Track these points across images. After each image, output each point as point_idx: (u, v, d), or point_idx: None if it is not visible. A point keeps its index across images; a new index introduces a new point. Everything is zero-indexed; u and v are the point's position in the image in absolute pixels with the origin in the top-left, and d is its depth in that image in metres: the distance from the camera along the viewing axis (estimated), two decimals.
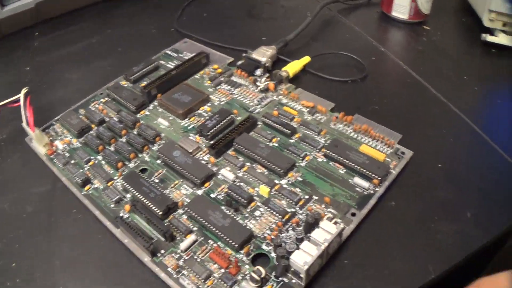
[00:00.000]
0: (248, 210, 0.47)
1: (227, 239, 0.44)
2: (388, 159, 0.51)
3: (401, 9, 0.74)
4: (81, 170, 0.53)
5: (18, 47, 0.79)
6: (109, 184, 0.52)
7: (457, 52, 0.70)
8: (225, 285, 0.41)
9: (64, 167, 0.54)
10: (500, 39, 0.67)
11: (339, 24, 0.78)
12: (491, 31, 0.68)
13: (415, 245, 0.44)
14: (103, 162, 0.55)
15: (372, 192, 0.48)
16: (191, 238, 0.45)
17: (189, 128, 0.58)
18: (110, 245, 0.47)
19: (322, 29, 0.77)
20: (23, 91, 0.55)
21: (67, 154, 0.56)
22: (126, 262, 0.45)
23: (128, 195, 0.50)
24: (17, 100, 0.56)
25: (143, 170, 0.53)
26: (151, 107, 0.62)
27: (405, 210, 0.47)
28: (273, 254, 0.43)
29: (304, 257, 0.40)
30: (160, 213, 0.47)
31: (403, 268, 0.43)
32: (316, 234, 0.42)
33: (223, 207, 0.48)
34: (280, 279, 0.41)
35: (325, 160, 0.52)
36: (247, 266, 0.43)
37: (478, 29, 0.70)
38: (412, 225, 0.46)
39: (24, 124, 0.56)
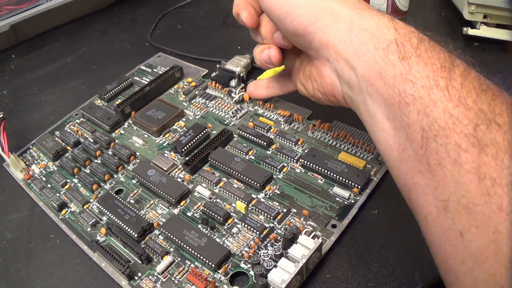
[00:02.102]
0: (225, 227, 0.47)
1: (204, 259, 0.43)
2: (368, 166, 0.50)
3: (377, 7, 0.73)
4: (57, 194, 0.53)
5: None
6: (85, 207, 0.51)
7: None
8: None
9: (41, 192, 0.53)
10: (482, 31, 0.66)
11: None
12: (472, 24, 0.67)
13: (401, 254, 0.43)
14: (79, 185, 0.54)
15: (353, 201, 0.47)
16: (167, 259, 0.44)
17: (164, 145, 0.57)
18: (88, 270, 0.46)
19: None
20: None
21: (43, 178, 0.56)
22: (104, 286, 0.44)
23: (104, 218, 0.49)
24: None
25: (119, 191, 0.52)
26: (125, 125, 0.61)
27: (388, 219, 0.46)
28: (251, 272, 0.42)
29: (281, 275, 0.39)
30: (136, 235, 0.46)
31: (389, 278, 0.41)
32: (294, 250, 0.41)
33: (199, 226, 0.47)
34: None
35: (303, 171, 0.51)
36: (225, 286, 0.42)
37: (459, 23, 0.69)
38: (396, 234, 0.45)
39: None
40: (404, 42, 0.33)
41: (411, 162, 0.32)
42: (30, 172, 0.56)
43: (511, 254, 0.26)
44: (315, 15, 0.39)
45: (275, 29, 0.46)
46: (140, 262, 0.45)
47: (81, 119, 0.64)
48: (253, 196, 0.49)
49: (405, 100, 0.32)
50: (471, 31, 0.66)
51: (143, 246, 0.46)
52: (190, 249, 0.44)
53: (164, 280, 0.43)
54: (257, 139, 0.54)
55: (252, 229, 0.45)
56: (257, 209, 0.47)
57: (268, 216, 0.46)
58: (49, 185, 0.54)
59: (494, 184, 0.27)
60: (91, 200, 0.52)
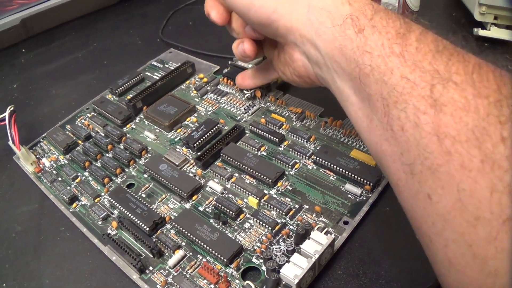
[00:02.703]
0: (237, 222, 0.47)
1: (216, 254, 0.43)
2: None
3: (389, 7, 0.72)
4: (68, 187, 0.53)
5: (5, 64, 0.78)
6: (96, 200, 0.51)
7: None
8: None
9: (51, 185, 0.53)
10: (492, 32, 0.66)
11: None
12: (483, 25, 0.67)
13: (412, 252, 0.42)
14: (90, 178, 0.54)
15: (364, 198, 0.47)
16: (179, 253, 0.44)
17: (175, 140, 0.57)
18: (98, 263, 0.46)
19: None
20: (8, 109, 0.55)
21: (54, 172, 0.56)
22: (115, 280, 0.44)
23: (115, 211, 0.49)
24: (3, 119, 0.55)
25: (130, 185, 0.52)
26: (137, 120, 0.61)
27: (400, 216, 0.45)
28: (263, 268, 0.42)
29: (294, 270, 0.39)
30: (147, 229, 0.46)
31: (399, 276, 0.41)
32: (306, 245, 0.41)
33: (211, 221, 0.47)
34: None
35: (315, 167, 0.51)
36: (237, 281, 0.42)
37: (469, 23, 0.68)
38: (408, 231, 0.44)
39: (10, 142, 0.55)
40: (358, 15, 0.34)
41: (378, 131, 0.33)
42: (41, 165, 0.56)
43: (475, 211, 0.26)
44: (275, 3, 0.40)
45: (246, 23, 0.48)
46: (152, 256, 0.45)
47: (92, 113, 0.64)
48: (265, 191, 0.49)
49: (365, 71, 0.32)
50: (482, 32, 0.66)
51: (154, 240, 0.46)
52: (202, 244, 0.44)
53: (175, 274, 0.43)
54: (269, 135, 0.54)
55: (264, 224, 0.45)
56: (269, 205, 0.47)
57: (280, 212, 0.46)
58: (59, 178, 0.54)
59: (454, 142, 0.27)
60: (102, 194, 0.52)
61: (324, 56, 0.37)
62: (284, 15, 0.40)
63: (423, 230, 0.31)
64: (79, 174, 0.55)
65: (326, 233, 0.42)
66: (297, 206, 0.47)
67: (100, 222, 0.49)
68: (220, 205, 0.47)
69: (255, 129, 0.55)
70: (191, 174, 0.52)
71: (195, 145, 0.54)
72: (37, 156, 0.58)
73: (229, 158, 0.52)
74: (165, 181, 0.50)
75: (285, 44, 0.43)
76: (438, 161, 0.27)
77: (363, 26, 0.33)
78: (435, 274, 0.32)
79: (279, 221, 0.46)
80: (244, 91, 0.61)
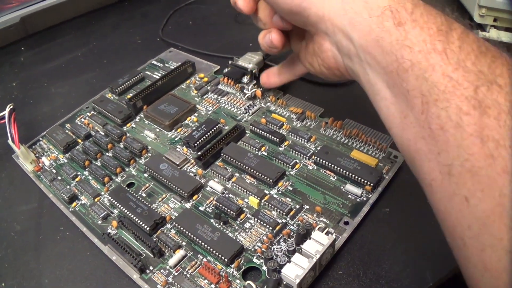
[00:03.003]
0: (238, 222, 0.47)
1: (217, 254, 0.43)
2: (380, 164, 0.50)
3: None
4: (68, 187, 0.52)
5: (5, 62, 0.78)
6: (96, 200, 0.51)
7: None
8: None
9: (51, 184, 0.53)
10: (492, 34, 0.66)
11: None
12: (482, 27, 0.67)
13: (412, 252, 0.43)
14: (89, 177, 0.54)
15: (365, 199, 0.47)
16: (180, 253, 0.44)
17: (176, 139, 0.57)
18: (98, 262, 0.46)
19: None
20: (8, 108, 0.55)
21: (53, 170, 0.55)
22: (115, 279, 0.44)
23: (116, 211, 0.49)
24: (2, 117, 0.55)
25: (130, 185, 0.52)
26: (137, 119, 0.61)
27: (400, 216, 0.46)
28: (264, 268, 0.42)
29: (295, 270, 0.39)
30: (148, 228, 0.46)
31: (400, 276, 0.41)
32: (307, 245, 0.41)
33: (212, 220, 0.47)
34: None
35: (315, 168, 0.51)
36: (238, 281, 0.42)
37: (469, 25, 0.68)
38: (408, 232, 0.45)
39: (9, 141, 0.55)
40: (398, 8, 0.33)
41: (413, 129, 0.32)
42: (40, 164, 0.56)
43: None
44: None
45: (273, 12, 0.47)
46: (152, 256, 0.45)
47: (92, 112, 0.63)
48: (266, 191, 0.49)
49: (403, 66, 0.32)
50: (481, 34, 0.66)
51: (155, 239, 0.46)
52: (203, 243, 0.44)
53: (176, 273, 0.43)
54: (270, 136, 0.54)
55: (265, 224, 0.45)
56: (269, 205, 0.47)
57: (281, 212, 0.46)
58: (59, 177, 0.54)
59: (497, 146, 0.26)
60: (102, 193, 0.52)
61: (358, 47, 0.36)
62: (316, 3, 0.39)
63: (456, 233, 0.30)
64: (79, 173, 0.54)
65: (327, 233, 0.42)
66: (297, 206, 0.47)
67: (100, 222, 0.49)
68: (220, 205, 0.47)
69: (255, 129, 0.55)
70: (191, 174, 0.52)
71: (195, 144, 0.54)
72: (37, 155, 0.58)
73: (229, 158, 0.52)
74: (165, 180, 0.50)
75: (314, 34, 0.42)
76: (479, 164, 0.27)
77: (404, 20, 0.32)
78: (464, 277, 0.31)
79: (279, 221, 0.46)
80: (245, 90, 0.61)
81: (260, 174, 0.49)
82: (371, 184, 0.47)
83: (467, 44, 0.30)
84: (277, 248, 0.43)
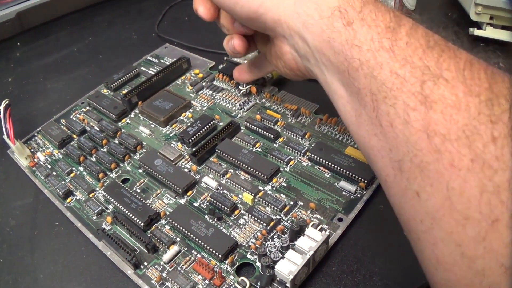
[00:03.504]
0: (232, 218, 0.47)
1: (211, 250, 0.43)
2: None
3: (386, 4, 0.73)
4: (62, 182, 0.53)
5: (0, 58, 0.78)
6: (90, 195, 0.51)
7: None
8: None
9: (46, 179, 0.53)
10: (488, 32, 0.66)
11: None
12: (478, 25, 0.67)
13: (406, 249, 0.42)
14: (84, 173, 0.54)
15: (359, 195, 0.47)
16: (174, 249, 0.44)
17: (170, 135, 0.57)
18: (93, 258, 0.46)
19: None
20: (3, 103, 0.55)
21: (49, 166, 0.55)
22: (110, 275, 0.44)
23: (110, 206, 0.49)
24: None
25: (125, 180, 0.52)
26: (132, 115, 0.61)
27: (394, 214, 0.46)
28: (258, 264, 0.42)
29: (289, 266, 0.39)
30: (142, 224, 0.46)
31: (394, 273, 0.41)
32: (301, 242, 0.41)
33: (206, 216, 0.47)
34: None
35: (310, 164, 0.51)
36: (232, 277, 0.42)
37: (465, 22, 0.69)
38: (402, 229, 0.45)
39: (5, 136, 0.55)
40: (347, 7, 0.33)
41: (367, 126, 0.32)
42: (35, 160, 0.56)
43: (464, 211, 0.26)
44: (266, 4, 0.40)
45: (233, 19, 0.48)
46: (146, 251, 0.45)
47: (87, 107, 0.63)
48: (260, 188, 0.49)
49: (353, 65, 0.32)
50: (477, 32, 0.66)
51: (149, 235, 0.46)
52: (197, 239, 0.44)
53: (170, 269, 0.43)
54: (264, 132, 0.54)
55: (259, 220, 0.45)
56: (264, 201, 0.47)
57: (275, 208, 0.46)
58: (54, 173, 0.54)
59: (444, 140, 0.26)
60: (97, 189, 0.52)
61: (312, 48, 0.37)
62: (271, 8, 0.39)
63: (411, 227, 0.31)
64: (73, 168, 0.54)
65: (320, 230, 0.42)
66: (291, 203, 0.47)
67: (94, 217, 0.49)
68: (215, 201, 0.47)
69: (250, 125, 0.55)
70: (186, 170, 0.52)
71: (190, 140, 0.54)
72: (32, 150, 0.58)
73: (224, 154, 0.52)
74: (160, 176, 0.50)
75: (274, 37, 0.43)
76: (427, 159, 0.27)
77: (352, 19, 0.33)
78: (423, 271, 0.32)
79: (273, 217, 0.46)
80: (240, 87, 0.61)
81: (254, 170, 0.49)
82: (365, 181, 0.47)
83: (414, 39, 0.30)
84: (271, 244, 0.43)
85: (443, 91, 0.27)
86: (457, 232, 0.26)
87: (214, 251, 0.43)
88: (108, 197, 0.49)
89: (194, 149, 0.53)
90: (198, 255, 0.44)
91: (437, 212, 0.27)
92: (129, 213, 0.47)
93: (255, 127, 0.55)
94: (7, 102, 0.55)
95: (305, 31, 0.37)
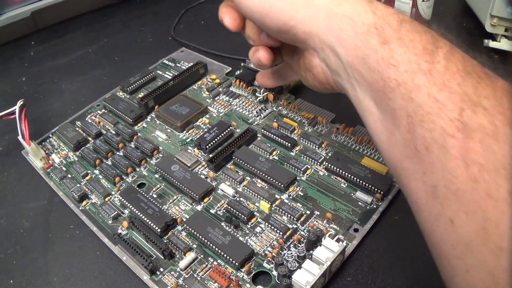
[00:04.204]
0: (249, 226, 0.47)
1: (228, 257, 0.43)
2: (391, 172, 0.50)
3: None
4: (78, 185, 0.53)
5: (14, 56, 0.78)
6: (106, 199, 0.51)
7: None
8: None
9: (61, 182, 0.53)
10: (502, 44, 0.66)
11: None
12: (493, 37, 0.67)
13: (420, 261, 0.43)
14: (100, 176, 0.54)
15: (375, 206, 0.47)
16: (190, 256, 0.44)
17: (187, 141, 0.57)
18: (108, 262, 0.46)
19: None
20: (19, 103, 0.55)
21: (64, 168, 0.55)
22: (125, 280, 0.44)
23: (126, 211, 0.49)
24: (13, 113, 0.55)
25: (141, 185, 0.52)
26: (148, 119, 0.61)
27: (409, 225, 0.46)
28: (274, 273, 0.42)
29: (306, 276, 0.39)
30: (159, 230, 0.46)
31: (407, 284, 0.42)
32: (318, 252, 0.41)
33: (223, 224, 0.47)
34: None
35: (326, 174, 0.51)
36: (248, 285, 0.42)
37: (480, 34, 0.68)
38: (416, 240, 0.44)
39: (20, 137, 0.55)
40: (383, 25, 0.33)
41: (400, 147, 0.32)
42: (50, 161, 0.56)
43: (499, 241, 0.25)
44: (292, 8, 0.39)
45: (260, 30, 0.46)
46: (163, 258, 0.45)
47: (103, 110, 0.63)
48: (277, 196, 0.49)
49: (390, 85, 0.32)
50: (492, 44, 0.66)
51: (165, 241, 0.46)
52: (213, 247, 0.44)
53: (186, 276, 0.43)
54: (281, 140, 0.54)
55: (275, 229, 0.46)
56: (280, 210, 0.47)
57: (292, 217, 0.46)
58: (69, 175, 0.54)
59: (481, 170, 0.26)
60: (113, 193, 0.52)
61: (345, 64, 0.36)
62: (303, 21, 0.39)
63: (442, 252, 0.30)
64: (89, 171, 0.54)
65: (337, 241, 0.42)
66: (308, 212, 0.47)
67: (110, 221, 0.49)
68: (231, 209, 0.47)
69: (267, 133, 0.55)
70: (202, 176, 0.52)
71: (207, 146, 0.54)
72: (47, 152, 0.58)
73: (241, 161, 0.52)
74: (177, 182, 0.50)
75: (304, 50, 0.42)
76: (464, 187, 0.27)
77: (389, 38, 0.32)
78: None
79: (290, 226, 0.46)
80: (257, 94, 0.61)
81: (271, 179, 0.49)
82: (381, 192, 0.47)
83: (452, 64, 0.30)
84: (287, 253, 0.43)
85: (482, 120, 0.27)
86: (490, 261, 0.26)
87: (231, 259, 0.43)
88: (124, 201, 0.49)
89: (211, 155, 0.53)
90: (215, 263, 0.44)
91: (471, 240, 0.27)
92: (145, 219, 0.47)
93: (272, 135, 0.55)
94: (22, 103, 0.55)
95: (338, 45, 0.36)
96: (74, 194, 0.51)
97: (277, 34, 0.43)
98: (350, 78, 0.36)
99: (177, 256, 0.45)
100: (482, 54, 0.67)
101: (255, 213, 0.48)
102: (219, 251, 0.44)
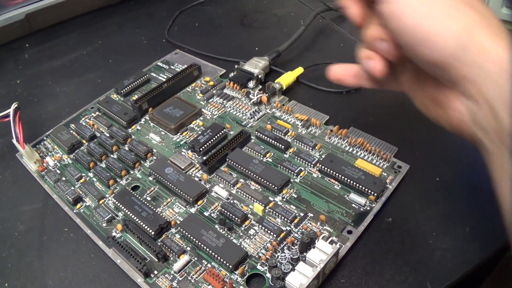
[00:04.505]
0: (242, 228, 0.47)
1: (221, 260, 0.43)
2: (384, 174, 0.50)
3: None
4: (72, 188, 0.53)
5: (9, 59, 0.78)
6: (100, 202, 0.51)
7: None
8: None
9: (55, 184, 0.53)
10: None
11: (332, 33, 0.77)
12: None
13: (413, 262, 0.43)
14: (94, 179, 0.54)
15: (368, 208, 0.47)
16: (184, 258, 0.44)
17: (181, 143, 0.57)
18: (102, 265, 0.46)
19: (315, 39, 0.76)
20: (13, 106, 0.55)
21: (58, 171, 0.56)
22: (119, 282, 0.44)
23: (120, 214, 0.50)
24: (7, 115, 0.55)
25: (135, 188, 0.52)
26: (142, 121, 0.61)
27: (402, 226, 0.47)
28: (268, 275, 0.42)
29: (299, 278, 0.39)
30: (153, 233, 0.46)
31: (401, 286, 0.42)
32: (311, 254, 0.41)
33: (216, 226, 0.47)
34: None
35: (320, 176, 0.51)
36: (241, 287, 0.42)
37: None
38: (410, 242, 0.45)
39: (14, 140, 0.55)
40: None
41: None
42: (44, 164, 0.56)
43: None
44: (460, 48, 0.32)
45: (382, 35, 0.38)
46: (157, 260, 0.45)
47: (97, 112, 0.64)
48: (270, 198, 0.49)
49: None
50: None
51: (159, 244, 0.46)
52: (207, 249, 0.44)
53: (180, 279, 0.43)
54: (275, 142, 0.54)
55: (269, 231, 0.46)
56: (274, 212, 0.47)
57: (285, 219, 0.47)
58: (63, 178, 0.54)
59: None
60: (107, 195, 0.52)
61: (505, 130, 0.31)
62: (467, 64, 0.32)
63: None
64: (83, 174, 0.55)
65: (331, 243, 0.42)
66: (302, 214, 0.47)
67: (104, 224, 0.49)
68: (225, 211, 0.47)
69: (261, 135, 0.55)
70: (196, 179, 0.52)
71: (201, 149, 0.54)
72: (41, 155, 0.58)
73: (235, 163, 0.52)
74: (170, 184, 0.50)
75: (447, 87, 0.36)
76: None
77: None
78: None
79: (284, 228, 0.46)
80: (250, 96, 0.61)
81: (265, 181, 0.50)
82: (375, 194, 0.47)
83: None
84: (281, 255, 0.43)
85: None
86: None
87: (224, 261, 0.43)
88: (119, 204, 0.49)
89: (205, 157, 0.53)
90: (209, 265, 0.44)
91: None
92: (139, 221, 0.47)
93: (265, 137, 0.55)
94: (16, 105, 0.55)
95: (503, 109, 0.31)
96: (68, 197, 0.51)
97: (422, 64, 0.36)
98: (503, 146, 0.32)
99: (171, 258, 0.45)
100: None
101: (248, 215, 0.48)
102: (213, 253, 0.44)
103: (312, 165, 0.52)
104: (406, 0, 0.34)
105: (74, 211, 0.51)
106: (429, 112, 0.40)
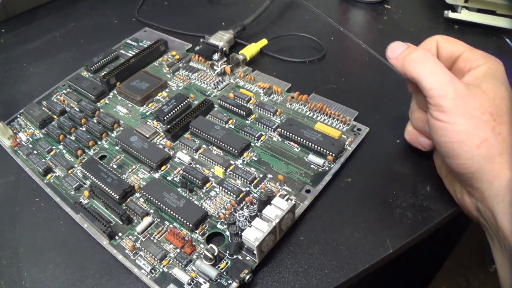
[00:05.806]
0: (204, 190, 0.48)
1: (182, 220, 0.45)
2: (344, 136, 0.52)
3: None
4: (43, 160, 0.54)
5: None
6: (69, 172, 0.53)
7: (419, 30, 0.70)
8: (180, 264, 0.42)
9: (27, 158, 0.55)
10: (462, 15, 0.67)
11: (298, 6, 0.78)
12: (453, 8, 0.68)
13: (373, 220, 0.45)
14: (64, 151, 0.56)
15: (327, 169, 0.49)
16: (147, 220, 0.46)
17: (147, 114, 0.59)
18: (71, 231, 0.48)
19: (281, 12, 0.77)
20: None
21: (30, 145, 0.57)
22: (87, 246, 0.46)
23: (88, 182, 0.51)
24: None
25: (102, 157, 0.54)
26: (110, 95, 0.63)
27: (362, 186, 0.48)
28: (227, 233, 0.44)
29: (255, 233, 0.40)
30: (117, 197, 0.48)
31: (360, 242, 0.43)
32: (267, 211, 0.42)
33: (179, 189, 0.49)
34: (235, 256, 0.42)
35: (280, 140, 0.53)
36: (202, 246, 0.43)
37: (441, 6, 0.70)
38: (369, 201, 0.46)
39: None
40: None
41: None
42: (17, 140, 0.58)
43: None
44: (479, 172, 0.37)
45: (425, 125, 0.44)
46: (121, 223, 0.46)
47: (68, 89, 0.65)
48: (231, 162, 0.50)
49: None
50: (452, 14, 0.68)
51: (124, 207, 0.47)
52: (169, 210, 0.46)
53: (143, 239, 0.45)
54: (237, 109, 0.56)
55: (229, 192, 0.47)
56: (234, 174, 0.49)
57: (245, 180, 0.48)
58: (35, 152, 0.56)
59: None
60: (75, 165, 0.53)
61: (503, 234, 0.36)
62: (482, 180, 0.37)
63: None
64: (53, 147, 0.56)
65: (287, 200, 0.43)
66: (261, 176, 0.49)
67: (72, 192, 0.50)
68: (187, 174, 0.49)
69: (223, 103, 0.57)
70: (160, 146, 0.54)
71: (165, 118, 0.55)
72: (14, 131, 0.59)
73: (197, 130, 0.53)
74: (135, 152, 0.52)
75: (468, 187, 0.40)
76: None
77: None
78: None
79: (243, 189, 0.47)
80: (215, 67, 0.62)
81: (225, 145, 0.51)
82: (333, 154, 0.49)
83: None
84: (239, 214, 0.45)
85: None
86: None
87: (185, 221, 0.45)
88: (86, 172, 0.51)
89: (168, 126, 0.54)
90: (170, 225, 0.46)
91: None
92: (105, 187, 0.48)
93: (228, 105, 0.56)
94: None
95: (502, 218, 0.36)
96: (39, 168, 0.53)
97: (449, 165, 0.40)
98: (506, 252, 0.36)
99: (135, 221, 0.47)
100: (442, 25, 0.69)
101: (210, 178, 0.49)
102: (174, 214, 0.45)
103: (272, 130, 0.53)
104: (452, 126, 0.38)
105: (45, 182, 0.52)
106: (449, 188, 0.45)
